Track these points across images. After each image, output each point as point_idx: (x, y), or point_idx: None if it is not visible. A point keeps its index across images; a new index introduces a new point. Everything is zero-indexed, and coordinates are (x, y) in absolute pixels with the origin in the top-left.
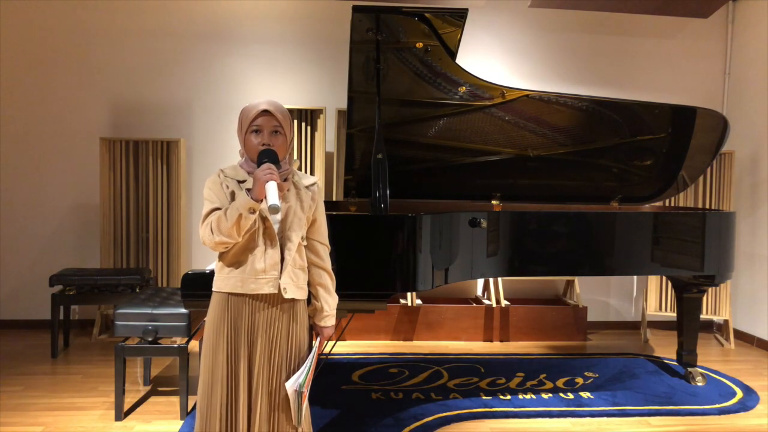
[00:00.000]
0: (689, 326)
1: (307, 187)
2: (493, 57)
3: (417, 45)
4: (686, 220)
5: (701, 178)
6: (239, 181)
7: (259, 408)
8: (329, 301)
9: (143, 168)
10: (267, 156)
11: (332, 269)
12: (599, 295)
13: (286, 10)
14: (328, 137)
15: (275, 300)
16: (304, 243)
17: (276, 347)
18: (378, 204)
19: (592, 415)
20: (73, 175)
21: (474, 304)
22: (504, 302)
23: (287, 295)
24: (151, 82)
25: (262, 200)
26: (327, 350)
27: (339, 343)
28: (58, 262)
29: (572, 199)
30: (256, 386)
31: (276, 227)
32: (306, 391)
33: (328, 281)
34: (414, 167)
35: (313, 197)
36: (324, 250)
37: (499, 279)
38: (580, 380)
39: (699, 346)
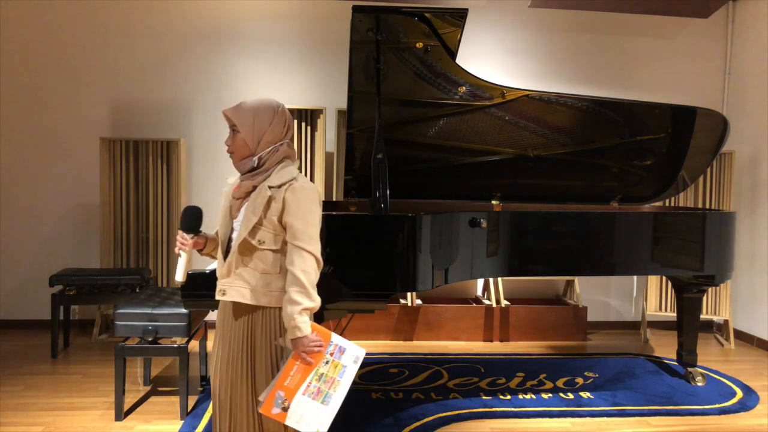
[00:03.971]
0: (689, 326)
1: (278, 186)
2: (494, 57)
3: (417, 45)
4: (686, 220)
5: (701, 178)
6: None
7: (217, 414)
8: (287, 310)
9: (143, 168)
10: (182, 220)
11: (332, 270)
12: (599, 295)
13: (286, 10)
14: (328, 137)
15: (238, 306)
16: (263, 246)
17: (237, 355)
18: (378, 204)
19: (592, 415)
20: (73, 175)
21: (474, 304)
22: (504, 302)
23: (226, 298)
24: (151, 82)
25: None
26: None
27: None
28: (58, 262)
29: (572, 199)
30: (221, 394)
31: (235, 234)
32: (275, 410)
33: (291, 285)
34: (414, 167)
35: (273, 198)
36: (293, 251)
37: (499, 279)
38: (580, 380)
39: (699, 346)
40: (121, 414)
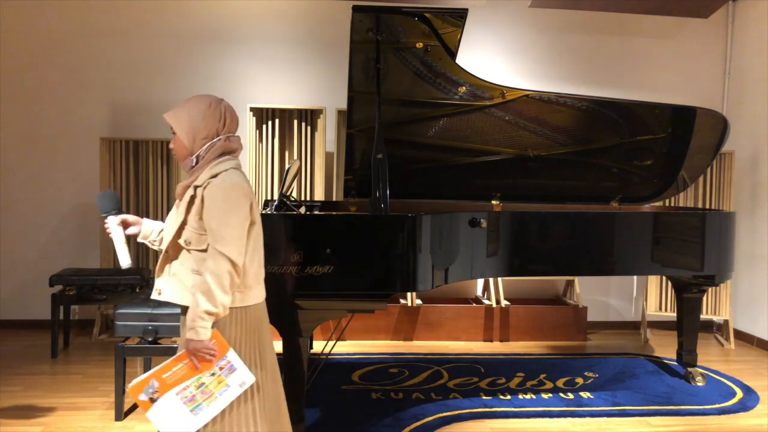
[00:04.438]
0: (689, 326)
1: (202, 184)
2: (494, 57)
3: (417, 45)
4: (686, 220)
5: (701, 178)
6: None
7: None
8: (190, 310)
9: (143, 168)
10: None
11: (332, 270)
12: (599, 295)
13: (286, 10)
14: (328, 137)
15: (182, 307)
16: (189, 246)
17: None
18: (378, 204)
19: (592, 415)
20: (73, 175)
21: (474, 304)
22: (504, 302)
23: (163, 298)
24: (151, 82)
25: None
26: (327, 350)
27: (339, 343)
28: (58, 262)
29: (572, 199)
30: None
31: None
32: (142, 396)
33: (198, 287)
34: (414, 167)
35: (195, 196)
36: (210, 252)
37: (499, 279)
38: (580, 380)
39: (699, 346)
40: (121, 414)
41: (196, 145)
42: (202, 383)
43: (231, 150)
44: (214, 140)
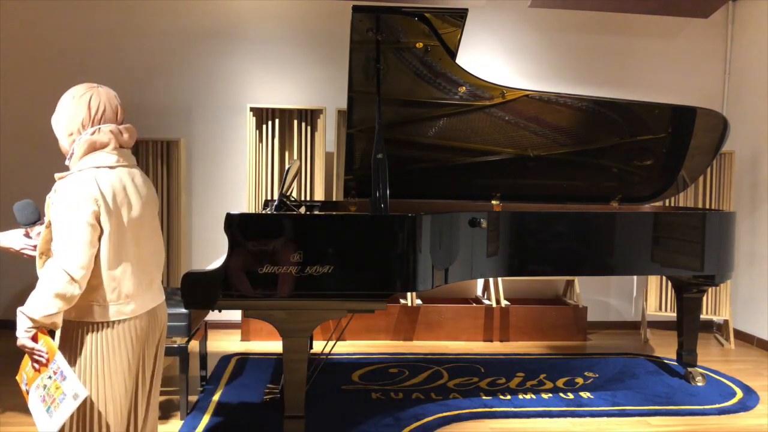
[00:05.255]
0: (689, 326)
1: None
2: (494, 57)
3: (417, 45)
4: (686, 220)
5: (701, 178)
6: None
7: None
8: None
9: (143, 168)
10: (24, 216)
11: (331, 270)
12: (599, 295)
13: (286, 10)
14: (328, 137)
15: None
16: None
17: None
18: (378, 204)
19: (592, 415)
20: None
21: (474, 304)
22: (504, 302)
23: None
24: (150, 82)
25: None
26: (327, 350)
27: (339, 343)
28: None
29: (572, 199)
30: None
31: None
32: (23, 386)
33: (36, 288)
34: (414, 167)
35: (49, 198)
36: (52, 260)
37: (499, 279)
38: (580, 380)
39: (699, 346)
40: None
41: (67, 143)
42: (45, 385)
43: (101, 144)
44: (83, 134)
